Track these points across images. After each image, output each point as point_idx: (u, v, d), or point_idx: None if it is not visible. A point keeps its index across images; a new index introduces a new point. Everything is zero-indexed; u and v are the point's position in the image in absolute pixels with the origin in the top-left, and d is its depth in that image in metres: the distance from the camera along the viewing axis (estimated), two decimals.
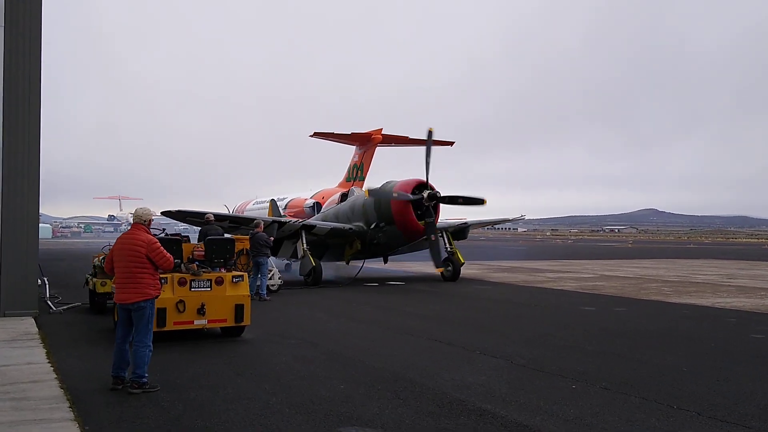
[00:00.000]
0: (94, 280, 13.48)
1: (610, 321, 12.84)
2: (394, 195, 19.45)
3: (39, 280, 13.80)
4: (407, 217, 19.82)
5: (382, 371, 8.08)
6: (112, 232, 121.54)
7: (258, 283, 16.00)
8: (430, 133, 20.56)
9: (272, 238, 16.61)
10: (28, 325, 11.41)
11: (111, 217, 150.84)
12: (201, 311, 9.91)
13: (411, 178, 20.63)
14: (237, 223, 20.27)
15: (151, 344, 7.23)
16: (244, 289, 10.42)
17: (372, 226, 20.64)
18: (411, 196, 19.69)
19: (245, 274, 10.67)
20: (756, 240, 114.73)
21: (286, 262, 24.94)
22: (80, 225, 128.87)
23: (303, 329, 11.52)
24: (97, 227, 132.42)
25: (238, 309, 10.22)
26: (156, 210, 19.91)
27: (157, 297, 7.39)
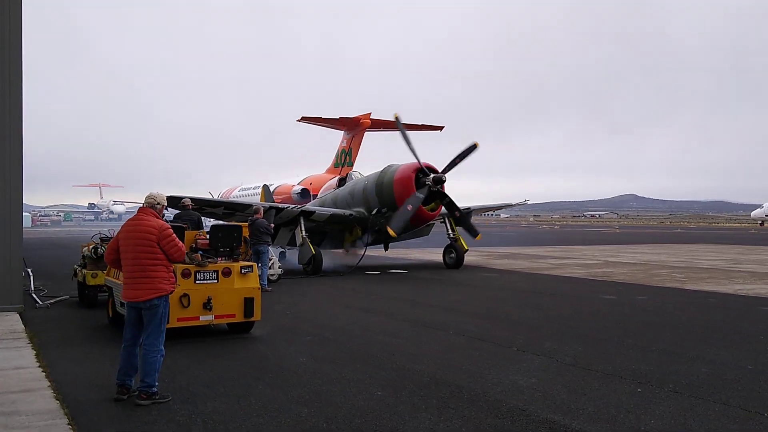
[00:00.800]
0: (84, 271, 12.47)
1: (638, 311, 12.08)
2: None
3: (23, 272, 12.75)
4: None
5: (419, 373, 7.21)
6: (92, 220, 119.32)
7: (258, 273, 15.05)
8: (397, 119, 19.80)
9: (273, 225, 15.64)
10: (14, 321, 10.40)
11: (91, 205, 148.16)
12: (207, 306, 8.97)
13: (409, 164, 19.69)
14: (232, 209, 19.24)
15: (163, 348, 6.29)
16: (253, 281, 9.50)
17: (374, 212, 19.71)
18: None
19: (254, 265, 9.75)
20: (739, 225, 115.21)
21: (280, 250, 23.99)
22: (60, 213, 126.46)
23: (315, 323, 10.62)
24: (77, 215, 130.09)
25: (248, 303, 9.30)
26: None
27: (171, 293, 6.45)
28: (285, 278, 17.20)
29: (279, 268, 16.70)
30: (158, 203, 6.57)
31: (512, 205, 28.04)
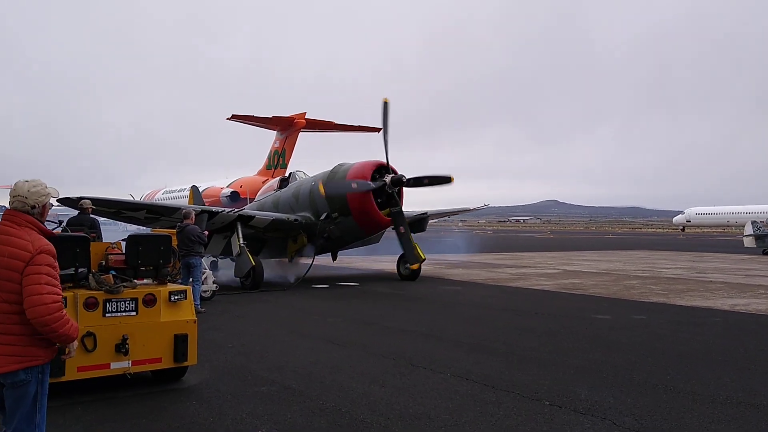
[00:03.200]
0: None
1: (650, 336, 10.17)
2: (353, 186, 16.06)
3: None
4: (366, 206, 16.55)
5: None
6: None
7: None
8: (385, 104, 17.01)
9: (207, 233, 12.99)
10: None
11: (2, 208, 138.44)
12: (122, 348, 6.41)
13: (368, 160, 17.41)
14: (156, 213, 16.33)
15: None
16: (187, 312, 6.96)
17: (323, 217, 17.25)
18: (372, 185, 16.35)
19: (188, 289, 7.20)
20: (661, 230, 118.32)
21: (212, 259, 21.19)
22: None
23: (269, 363, 8.14)
24: None
25: (179, 342, 6.77)
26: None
27: (50, 360, 3.88)
28: (220, 294, 14.57)
29: (213, 283, 14.04)
30: (32, 205, 3.82)
31: (470, 210, 26.22)
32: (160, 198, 51.56)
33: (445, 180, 17.55)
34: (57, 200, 14.18)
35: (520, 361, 8.29)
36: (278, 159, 44.57)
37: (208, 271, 13.90)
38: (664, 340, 9.83)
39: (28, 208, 3.81)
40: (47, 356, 3.77)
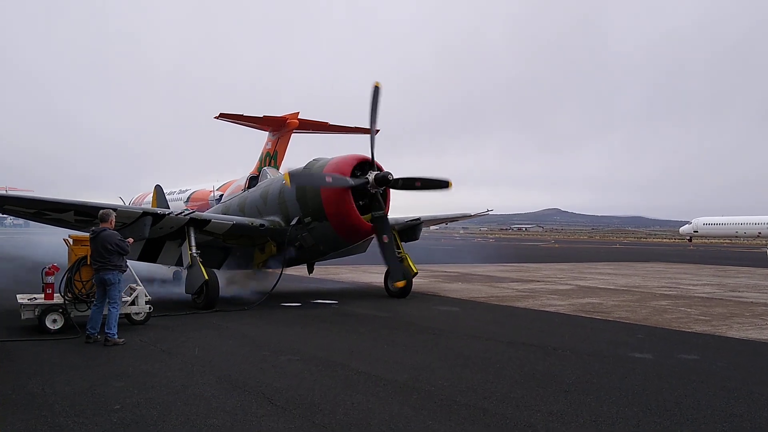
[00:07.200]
0: None
1: (721, 392, 7.30)
2: (328, 180, 13.29)
3: None
4: (345, 210, 13.68)
5: None
6: None
7: (105, 313, 9.63)
8: (376, 89, 14.40)
9: (130, 241, 10.14)
10: None
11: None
12: None
13: (349, 154, 14.58)
14: (87, 215, 13.38)
15: None
16: None
17: (294, 222, 14.38)
18: (351, 181, 13.56)
19: None
20: (668, 240, 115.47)
21: (174, 269, 18.37)
22: None
23: None
24: None
25: None
26: None
27: None
28: (157, 316, 11.74)
29: (146, 303, 11.19)
30: None
31: (471, 216, 23.39)
32: (150, 201, 48.92)
33: (442, 184, 14.84)
34: None
35: None
36: (270, 161, 42.29)
37: (139, 287, 11.05)
38: (741, 399, 6.97)
39: None
40: None
